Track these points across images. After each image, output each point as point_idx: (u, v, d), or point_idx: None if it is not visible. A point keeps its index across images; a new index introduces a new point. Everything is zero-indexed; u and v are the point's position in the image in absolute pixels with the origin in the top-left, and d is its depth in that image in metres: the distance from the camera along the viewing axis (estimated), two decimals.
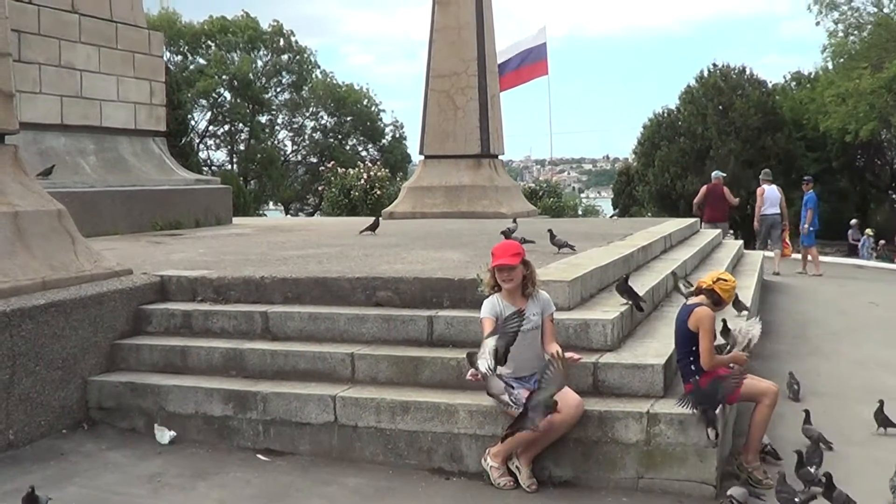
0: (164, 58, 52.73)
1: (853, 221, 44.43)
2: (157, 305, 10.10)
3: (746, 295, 13.79)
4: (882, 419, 9.14)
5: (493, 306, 7.78)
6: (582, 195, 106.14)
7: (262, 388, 8.64)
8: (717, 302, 8.03)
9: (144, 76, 19.35)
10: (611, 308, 9.08)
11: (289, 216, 55.11)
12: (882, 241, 41.53)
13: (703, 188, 24.83)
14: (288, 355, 8.97)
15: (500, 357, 7.38)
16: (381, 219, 12.50)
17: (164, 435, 8.74)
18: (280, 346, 9.13)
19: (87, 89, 17.79)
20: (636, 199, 52.73)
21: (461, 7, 23.56)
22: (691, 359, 7.88)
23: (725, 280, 8.13)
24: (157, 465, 8.21)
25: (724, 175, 25.62)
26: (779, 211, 23.92)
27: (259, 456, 8.44)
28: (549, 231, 12.39)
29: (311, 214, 53.97)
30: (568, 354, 7.67)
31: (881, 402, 9.21)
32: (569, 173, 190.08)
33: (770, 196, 24.05)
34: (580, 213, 44.33)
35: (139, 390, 9.04)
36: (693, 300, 8.12)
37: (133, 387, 9.07)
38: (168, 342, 9.55)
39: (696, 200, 24.73)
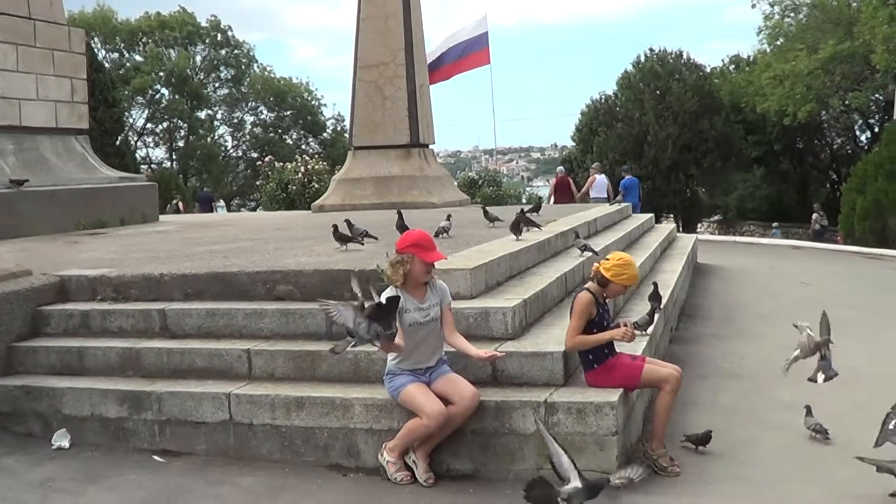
0: (100, 56, 52.85)
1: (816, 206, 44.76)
2: (56, 306, 9.83)
3: (670, 279, 13.69)
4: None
5: None
6: (531, 184, 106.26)
7: (157, 388, 8.42)
8: (602, 283, 7.80)
9: (65, 74, 19.03)
10: (515, 296, 8.92)
11: (231, 213, 54.72)
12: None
13: (553, 180, 31.16)
14: (184, 353, 8.75)
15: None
16: (402, 212, 12.32)
17: (63, 439, 8.54)
18: (177, 345, 8.90)
19: (5, 88, 17.46)
20: (580, 186, 52.81)
21: None
22: None
23: (608, 259, 7.88)
24: (50, 470, 7.99)
25: (564, 171, 32.65)
26: (605, 195, 28.04)
27: (155, 457, 8.23)
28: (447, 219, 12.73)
29: (254, 210, 53.59)
30: (488, 353, 7.57)
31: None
32: (517, 162, 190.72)
33: (599, 183, 28.90)
34: (524, 201, 44.29)
35: (34, 393, 8.80)
36: (585, 285, 7.96)
37: (28, 390, 8.83)
38: (65, 343, 9.31)
39: (548, 192, 30.13)
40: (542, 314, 9.36)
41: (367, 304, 7.15)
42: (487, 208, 14.40)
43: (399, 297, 7.26)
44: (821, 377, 8.38)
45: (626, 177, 30.07)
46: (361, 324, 7.01)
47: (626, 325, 7.74)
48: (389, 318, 7.08)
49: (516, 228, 11.57)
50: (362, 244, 11.30)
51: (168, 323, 9.25)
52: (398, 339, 7.26)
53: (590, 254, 11.85)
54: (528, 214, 12.57)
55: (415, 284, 7.58)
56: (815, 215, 42.92)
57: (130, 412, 8.44)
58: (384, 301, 7.12)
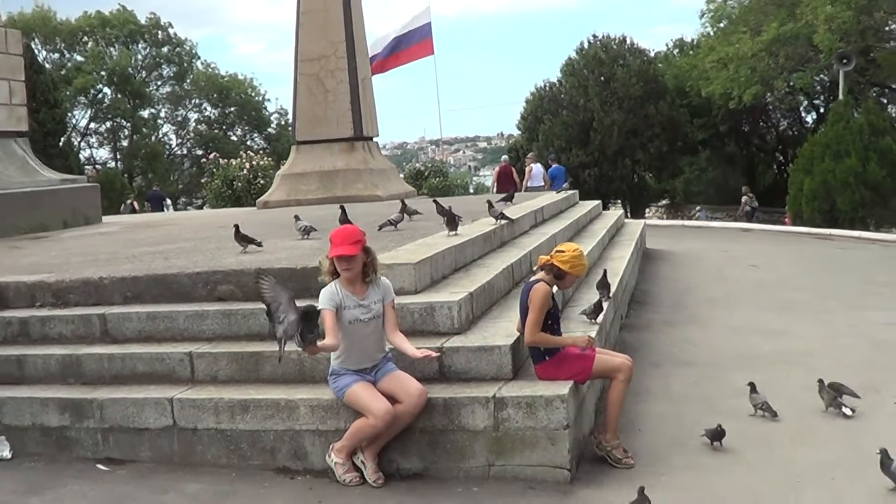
0: (41, 56, 52.28)
1: (745, 188, 45.60)
2: None
3: (619, 266, 13.63)
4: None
5: (332, 296, 7.37)
6: (478, 173, 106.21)
7: (98, 395, 8.23)
8: (558, 276, 7.70)
9: (2, 76, 18.70)
10: (461, 289, 8.80)
11: (177, 211, 54.36)
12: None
13: (497, 168, 32.87)
14: (126, 358, 8.56)
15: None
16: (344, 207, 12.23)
17: (5, 450, 8.34)
18: (118, 350, 8.71)
19: None
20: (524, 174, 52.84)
21: None
22: None
23: (563, 251, 7.77)
24: None
25: (508, 160, 34.74)
26: (542, 184, 29.32)
27: (99, 466, 8.05)
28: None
29: (201, 207, 53.21)
30: (424, 353, 7.41)
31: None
32: (464, 152, 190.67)
33: (536, 173, 30.33)
34: (471, 191, 44.20)
35: None
36: (534, 277, 7.84)
37: None
38: (4, 352, 9.06)
39: (491, 182, 32.17)
40: (490, 307, 9.25)
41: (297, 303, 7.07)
42: (406, 201, 14.17)
43: (317, 313, 7.16)
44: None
45: (553, 165, 31.23)
46: (290, 318, 6.92)
47: (590, 337, 7.77)
48: (311, 324, 7.02)
49: (452, 223, 11.41)
50: (260, 246, 11.07)
51: (108, 328, 9.05)
52: (332, 340, 7.17)
53: (505, 221, 12.42)
54: (495, 203, 12.71)
55: (347, 280, 7.47)
56: (744, 198, 43.55)
57: (72, 420, 8.25)
58: (301, 316, 6.99)
